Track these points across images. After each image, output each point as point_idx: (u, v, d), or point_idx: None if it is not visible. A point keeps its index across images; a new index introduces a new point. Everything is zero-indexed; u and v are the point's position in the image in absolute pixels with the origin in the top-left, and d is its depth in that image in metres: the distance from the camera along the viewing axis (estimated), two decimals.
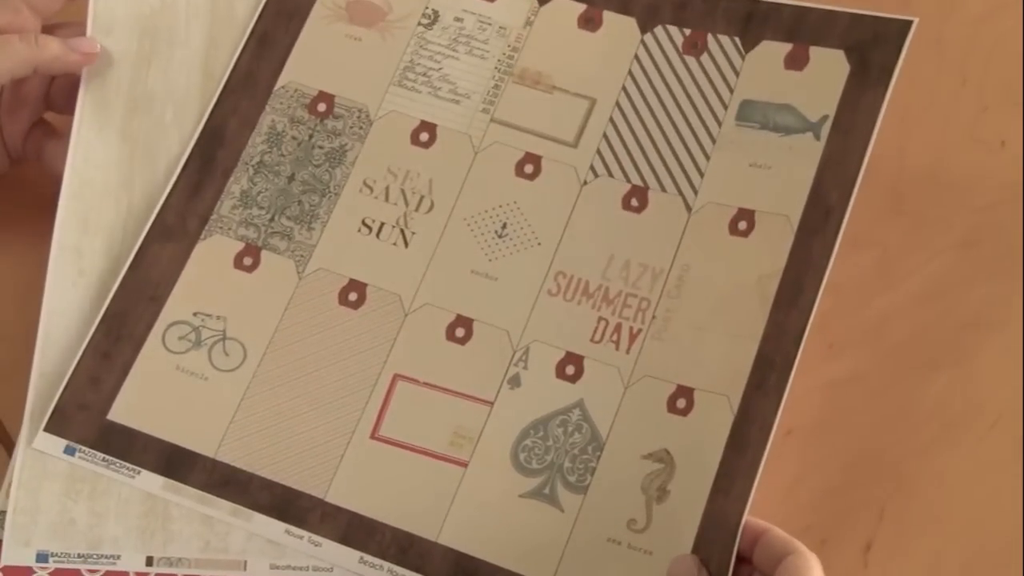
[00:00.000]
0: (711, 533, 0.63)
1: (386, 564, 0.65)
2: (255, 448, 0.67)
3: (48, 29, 0.76)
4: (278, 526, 0.66)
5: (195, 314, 0.70)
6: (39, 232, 0.79)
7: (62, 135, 0.78)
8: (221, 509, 0.67)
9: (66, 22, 0.77)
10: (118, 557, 0.66)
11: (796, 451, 0.70)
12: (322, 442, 0.67)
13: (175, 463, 0.67)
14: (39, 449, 0.67)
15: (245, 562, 0.66)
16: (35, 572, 0.67)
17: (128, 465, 0.67)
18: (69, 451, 0.67)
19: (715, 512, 0.63)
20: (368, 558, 0.65)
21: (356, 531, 0.66)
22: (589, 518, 0.65)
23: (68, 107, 0.79)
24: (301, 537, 0.66)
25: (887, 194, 0.75)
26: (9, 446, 0.71)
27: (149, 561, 0.66)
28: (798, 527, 0.67)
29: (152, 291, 0.70)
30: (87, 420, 0.68)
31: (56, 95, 0.78)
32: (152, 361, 0.69)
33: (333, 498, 0.66)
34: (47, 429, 0.68)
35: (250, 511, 0.66)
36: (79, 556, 0.66)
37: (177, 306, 0.70)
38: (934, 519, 0.69)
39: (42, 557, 0.66)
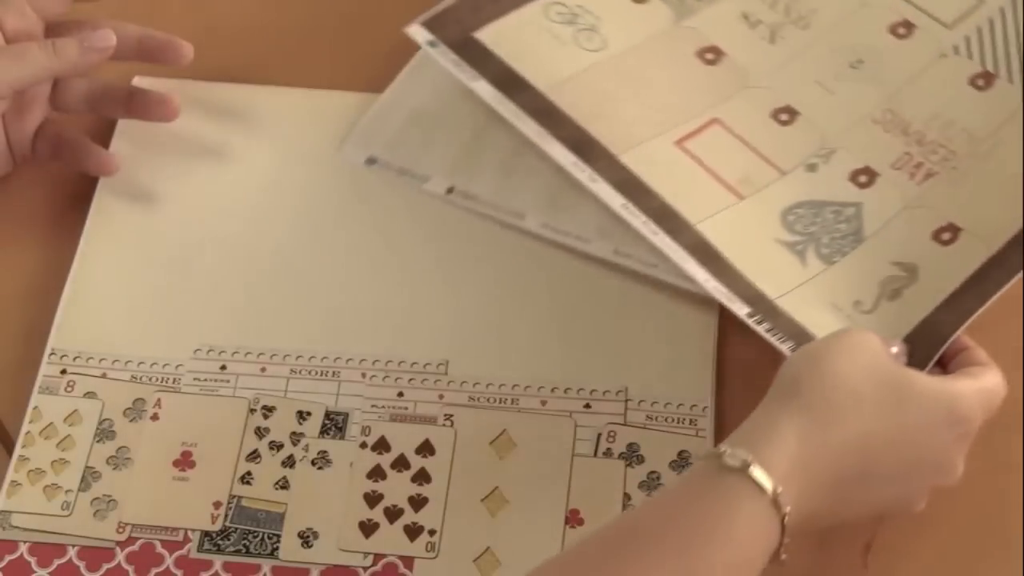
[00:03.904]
0: (923, 334, 0.70)
1: (644, 216, 0.73)
2: (579, 98, 0.77)
3: (54, 29, 0.76)
4: (570, 156, 0.75)
5: (579, 5, 0.81)
6: (40, 232, 0.79)
7: (76, 135, 0.78)
8: (528, 127, 0.76)
9: (75, 20, 0.77)
10: (428, 178, 0.77)
11: None
12: (631, 124, 0.77)
13: (509, 84, 0.77)
14: (413, 34, 0.79)
15: (524, 215, 0.76)
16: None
17: (473, 71, 0.78)
18: (431, 44, 0.79)
19: (934, 321, 0.70)
20: (631, 207, 0.73)
21: (632, 187, 0.74)
22: (824, 281, 0.72)
23: (75, 106, 0.80)
24: (584, 171, 0.74)
25: None
26: (9, 446, 0.72)
27: (450, 190, 0.77)
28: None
29: None
30: (457, 30, 0.79)
31: (61, 95, 0.79)
32: (528, 16, 0.80)
33: (624, 160, 0.75)
34: (423, 24, 0.79)
35: (553, 138, 0.75)
36: (399, 169, 0.78)
37: None
38: (934, 519, 0.68)
39: (371, 160, 0.79)
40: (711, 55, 0.81)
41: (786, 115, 0.78)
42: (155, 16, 0.83)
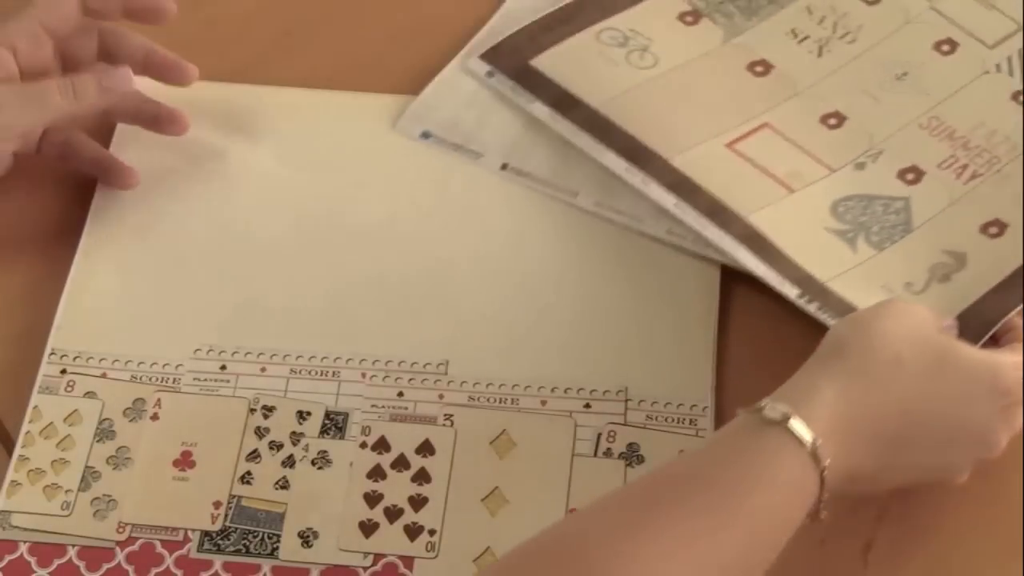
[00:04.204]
0: (973, 315, 0.72)
1: (695, 213, 0.76)
2: (632, 112, 0.81)
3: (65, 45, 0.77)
4: (622, 163, 0.78)
5: (631, 29, 0.84)
6: (40, 232, 0.79)
7: (87, 143, 0.78)
8: (582, 140, 0.79)
9: (86, 28, 0.77)
10: (482, 155, 0.79)
11: None
12: (682, 130, 0.80)
13: (564, 103, 0.81)
14: (470, 68, 0.83)
15: (577, 193, 0.78)
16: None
17: (529, 95, 0.82)
18: (489, 74, 0.82)
19: (984, 304, 0.72)
20: (683, 204, 0.76)
21: (683, 187, 0.77)
22: (875, 265, 0.75)
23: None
24: (636, 175, 0.77)
25: None
26: (9, 446, 0.72)
27: (504, 166, 0.79)
28: (798, 527, 0.67)
29: (612, 7, 0.86)
30: (514, 59, 0.83)
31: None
32: (581, 42, 0.84)
33: (676, 163, 0.78)
34: (481, 56, 0.83)
35: (606, 149, 0.78)
36: (453, 144, 0.80)
37: (620, 21, 0.85)
38: (934, 519, 0.68)
39: (425, 135, 0.81)
40: (760, 68, 0.83)
41: (834, 120, 0.81)
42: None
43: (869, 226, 0.76)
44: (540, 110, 0.81)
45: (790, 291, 0.73)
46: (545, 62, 0.83)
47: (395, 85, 0.84)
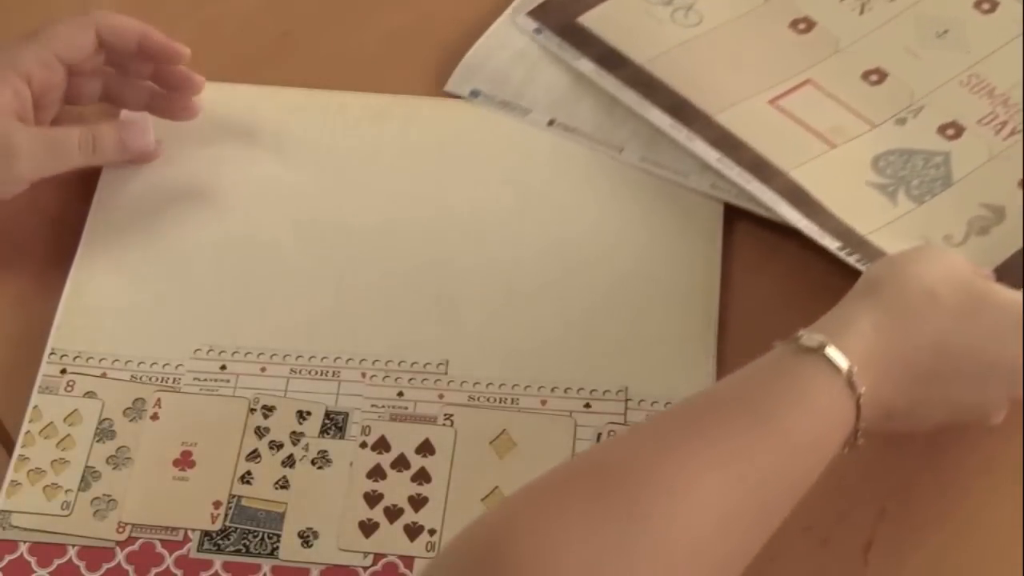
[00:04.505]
0: (1012, 266, 0.74)
1: (738, 168, 0.78)
2: (676, 69, 0.82)
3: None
4: (667, 120, 0.80)
5: None
6: (40, 231, 0.79)
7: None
8: (628, 97, 0.81)
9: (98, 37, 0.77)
10: (530, 111, 0.82)
11: None
12: (726, 87, 0.82)
13: (610, 60, 0.83)
14: (518, 25, 0.85)
15: (622, 148, 0.80)
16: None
17: (575, 51, 0.83)
18: (536, 31, 0.85)
19: (1021, 259, 0.74)
20: (726, 160, 0.78)
21: (727, 143, 0.79)
22: (915, 218, 0.76)
23: (89, 102, 0.80)
24: (681, 131, 0.79)
25: None
26: (9, 446, 0.72)
27: (551, 122, 0.81)
28: (798, 527, 0.67)
29: None
30: (561, 17, 0.85)
31: (76, 92, 0.79)
32: (627, 0, 0.86)
33: (720, 120, 0.80)
34: (529, 14, 0.85)
35: (651, 105, 0.80)
36: (501, 102, 0.82)
37: None
38: (934, 519, 0.68)
39: (474, 93, 0.83)
40: (803, 25, 0.85)
41: (876, 76, 0.83)
42: (155, 15, 0.83)
43: (909, 180, 0.78)
44: (586, 66, 0.83)
45: (831, 243, 0.75)
46: (592, 19, 0.85)
47: (403, 84, 0.84)
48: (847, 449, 0.62)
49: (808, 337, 0.61)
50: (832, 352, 0.60)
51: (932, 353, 0.63)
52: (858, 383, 0.60)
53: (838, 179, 0.78)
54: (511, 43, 0.85)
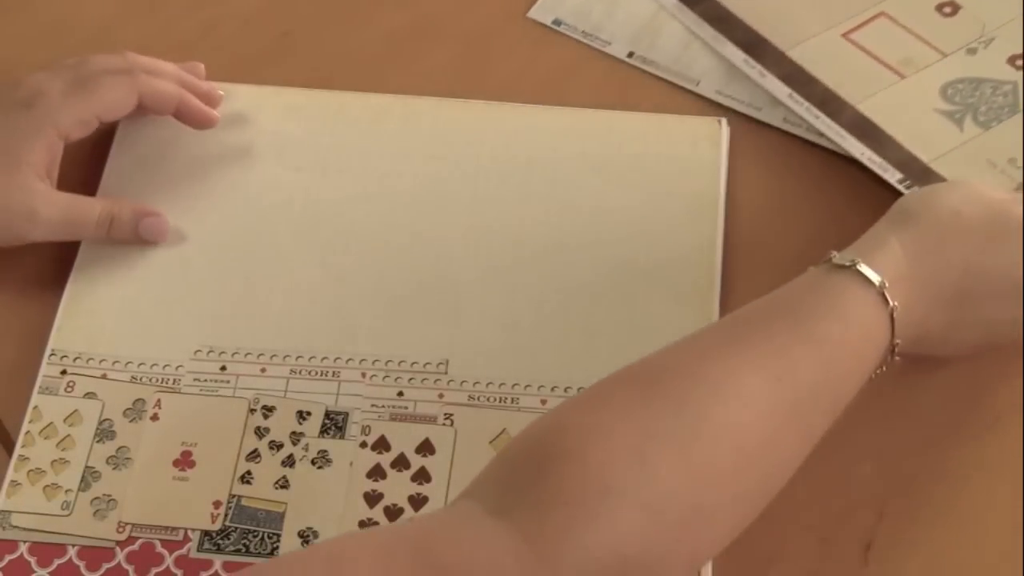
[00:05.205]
0: None
1: (807, 103, 0.81)
2: (751, 4, 0.86)
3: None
4: (740, 55, 0.84)
5: None
6: None
7: None
8: (705, 31, 0.85)
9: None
10: (610, 43, 0.85)
11: None
12: (800, 22, 0.85)
13: None
14: None
15: (699, 81, 0.84)
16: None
17: None
18: None
19: None
20: (796, 95, 0.82)
21: (798, 78, 0.82)
22: (981, 143, 0.79)
23: None
24: (754, 67, 0.83)
25: None
26: (9, 446, 0.72)
27: (630, 54, 0.85)
28: (798, 527, 0.67)
29: None
30: None
31: None
32: None
33: (792, 55, 0.83)
34: None
35: (727, 40, 0.85)
36: (583, 32, 0.86)
37: None
38: (934, 519, 0.68)
39: (556, 22, 0.87)
40: None
41: (949, 8, 0.86)
42: (155, 15, 0.83)
43: (977, 107, 0.81)
44: (666, 1, 0.86)
45: (892, 176, 0.77)
46: None
47: (403, 84, 0.84)
48: (884, 368, 0.64)
49: (840, 256, 0.63)
50: (864, 268, 0.62)
51: (962, 273, 0.65)
52: (891, 297, 0.62)
53: (906, 108, 0.81)
54: None
